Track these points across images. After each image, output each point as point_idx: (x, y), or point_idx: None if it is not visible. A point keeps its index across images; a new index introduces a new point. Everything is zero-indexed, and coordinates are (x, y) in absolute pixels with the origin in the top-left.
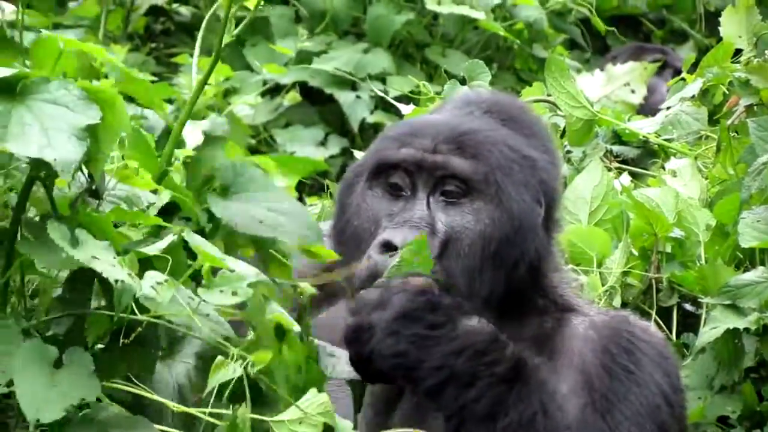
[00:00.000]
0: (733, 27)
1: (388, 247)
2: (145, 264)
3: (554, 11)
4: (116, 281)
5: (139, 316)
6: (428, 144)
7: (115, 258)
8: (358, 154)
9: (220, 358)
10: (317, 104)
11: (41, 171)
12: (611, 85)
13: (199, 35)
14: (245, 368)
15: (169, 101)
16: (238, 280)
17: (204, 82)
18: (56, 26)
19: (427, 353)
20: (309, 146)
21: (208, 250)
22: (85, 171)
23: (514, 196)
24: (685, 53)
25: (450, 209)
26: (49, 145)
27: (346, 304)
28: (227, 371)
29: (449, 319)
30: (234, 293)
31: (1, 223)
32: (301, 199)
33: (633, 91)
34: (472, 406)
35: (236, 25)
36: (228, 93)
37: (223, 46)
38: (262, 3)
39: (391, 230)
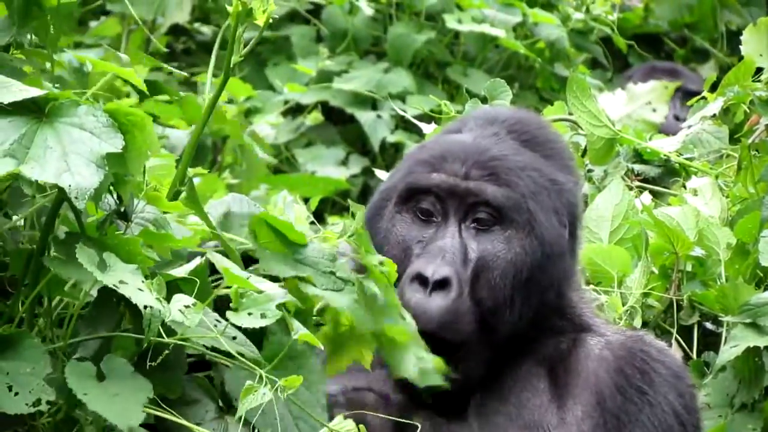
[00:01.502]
0: (754, 45)
1: (421, 280)
2: (171, 285)
3: (575, 30)
4: (145, 307)
5: (166, 339)
6: (460, 169)
7: (143, 282)
8: (380, 174)
9: (249, 382)
10: (338, 124)
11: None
12: (633, 104)
13: (213, 54)
14: (275, 392)
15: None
16: (267, 301)
17: (215, 101)
18: (77, 45)
19: None
20: (330, 166)
21: (234, 271)
22: (114, 193)
23: (544, 223)
24: (707, 72)
25: (481, 237)
26: (68, 170)
27: None
28: (257, 396)
29: None
30: (263, 315)
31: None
32: (322, 219)
33: (654, 110)
34: None
35: (248, 44)
36: (250, 112)
37: (236, 64)
38: (271, 20)
39: (422, 260)
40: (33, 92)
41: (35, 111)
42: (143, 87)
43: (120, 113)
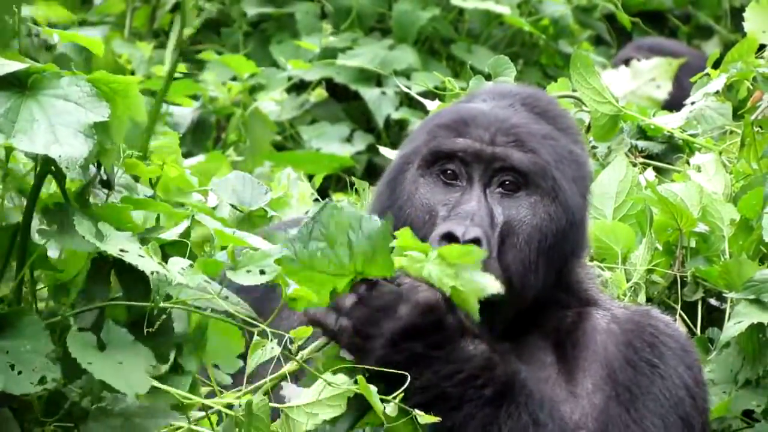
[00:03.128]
0: (757, 22)
1: (451, 239)
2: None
3: (579, 7)
4: (151, 273)
5: (164, 304)
6: (485, 135)
7: (140, 248)
8: (384, 151)
9: (256, 337)
10: (343, 101)
11: (52, 165)
12: (636, 81)
13: (173, 32)
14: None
15: (195, 97)
16: (264, 257)
17: (171, 75)
18: (81, 23)
19: (419, 372)
20: (335, 143)
21: (225, 230)
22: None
23: (568, 191)
24: (711, 48)
25: (506, 202)
26: (56, 142)
27: None
28: (266, 351)
29: (448, 342)
30: (262, 272)
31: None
32: (326, 196)
33: (658, 87)
34: (462, 426)
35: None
36: (254, 89)
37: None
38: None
39: (452, 222)
40: (14, 66)
41: (17, 85)
42: (100, 52)
43: (103, 80)
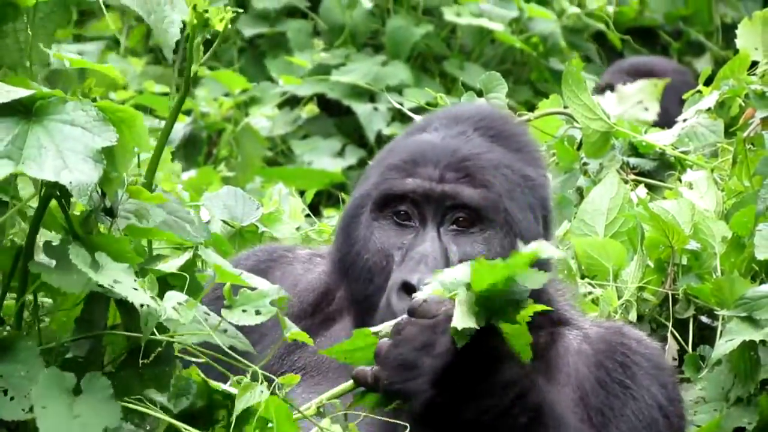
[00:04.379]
0: (749, 39)
1: (407, 289)
2: (161, 282)
3: (568, 27)
4: (141, 305)
5: (159, 336)
6: (434, 173)
7: (135, 280)
8: None
9: (246, 379)
10: (335, 116)
11: (57, 191)
12: (623, 105)
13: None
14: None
15: (188, 113)
16: (260, 298)
17: (178, 108)
18: (77, 38)
19: (466, 406)
20: (326, 157)
21: (226, 267)
22: (99, 189)
23: (521, 220)
24: (702, 65)
25: (461, 239)
26: (66, 168)
27: (345, 327)
28: (254, 393)
29: (493, 370)
30: (257, 312)
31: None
32: (317, 212)
33: (646, 109)
34: None
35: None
36: (249, 103)
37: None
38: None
39: (406, 269)
40: (20, 92)
41: (22, 111)
42: (121, 80)
43: (109, 109)
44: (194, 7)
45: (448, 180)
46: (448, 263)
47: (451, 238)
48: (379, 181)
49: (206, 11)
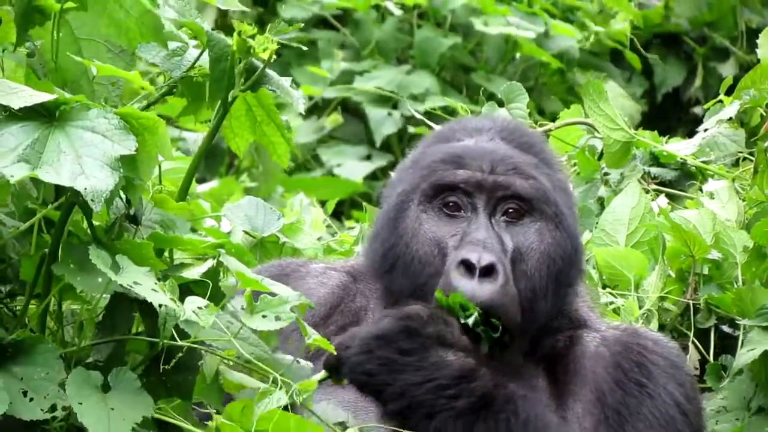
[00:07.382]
0: None
1: (468, 266)
2: (184, 289)
3: (584, 49)
4: (160, 306)
5: (180, 342)
6: (485, 165)
7: (156, 283)
8: None
9: (263, 386)
10: (362, 122)
11: (78, 197)
12: None
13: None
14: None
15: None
16: (281, 304)
17: (212, 137)
18: None
19: (393, 378)
20: (353, 161)
21: (247, 274)
22: (123, 196)
23: (569, 216)
24: (727, 70)
25: (513, 229)
26: (82, 174)
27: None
28: (272, 400)
29: (421, 348)
30: (278, 318)
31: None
32: (340, 221)
33: None
34: None
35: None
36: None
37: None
38: (274, 57)
39: (466, 249)
40: (43, 97)
41: (45, 116)
42: (151, 89)
43: (132, 116)
44: (239, 33)
45: (499, 172)
46: (504, 250)
47: (504, 227)
48: (428, 174)
49: (252, 38)
